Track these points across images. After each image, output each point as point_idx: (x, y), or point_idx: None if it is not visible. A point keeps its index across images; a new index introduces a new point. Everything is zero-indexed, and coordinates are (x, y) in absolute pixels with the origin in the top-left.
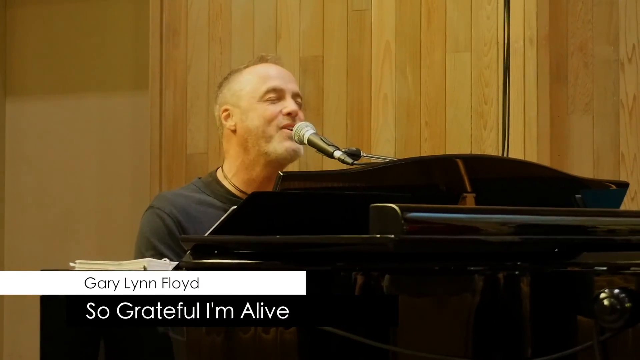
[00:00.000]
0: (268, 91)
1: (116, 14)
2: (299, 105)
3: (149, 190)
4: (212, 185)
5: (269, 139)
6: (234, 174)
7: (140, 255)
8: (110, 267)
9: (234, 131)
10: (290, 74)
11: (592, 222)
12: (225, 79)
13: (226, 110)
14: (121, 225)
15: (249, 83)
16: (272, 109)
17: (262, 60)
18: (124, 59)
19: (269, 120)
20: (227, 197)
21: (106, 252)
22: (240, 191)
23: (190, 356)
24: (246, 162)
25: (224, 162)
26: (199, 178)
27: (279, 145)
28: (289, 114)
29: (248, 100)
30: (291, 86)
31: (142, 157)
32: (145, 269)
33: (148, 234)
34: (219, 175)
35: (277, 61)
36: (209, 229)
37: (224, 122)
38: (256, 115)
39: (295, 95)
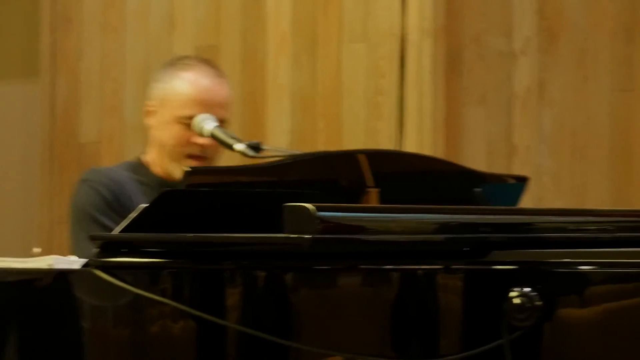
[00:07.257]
0: (191, 116)
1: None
2: (223, 122)
3: (39, 181)
4: (142, 168)
5: (173, 159)
6: (157, 164)
7: (79, 229)
8: (14, 265)
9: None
10: (228, 95)
11: (502, 220)
12: (169, 66)
13: (151, 106)
14: (12, 217)
15: (181, 94)
16: (186, 135)
17: (208, 68)
18: (14, 46)
19: (179, 145)
20: (157, 179)
21: None
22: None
23: (95, 349)
24: (163, 158)
25: (147, 147)
26: (127, 161)
27: (178, 172)
28: (200, 146)
29: (170, 112)
30: (219, 113)
31: (33, 146)
32: (51, 266)
33: (87, 207)
34: (144, 159)
35: (221, 76)
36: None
37: (144, 114)
38: (170, 134)
39: (220, 122)
